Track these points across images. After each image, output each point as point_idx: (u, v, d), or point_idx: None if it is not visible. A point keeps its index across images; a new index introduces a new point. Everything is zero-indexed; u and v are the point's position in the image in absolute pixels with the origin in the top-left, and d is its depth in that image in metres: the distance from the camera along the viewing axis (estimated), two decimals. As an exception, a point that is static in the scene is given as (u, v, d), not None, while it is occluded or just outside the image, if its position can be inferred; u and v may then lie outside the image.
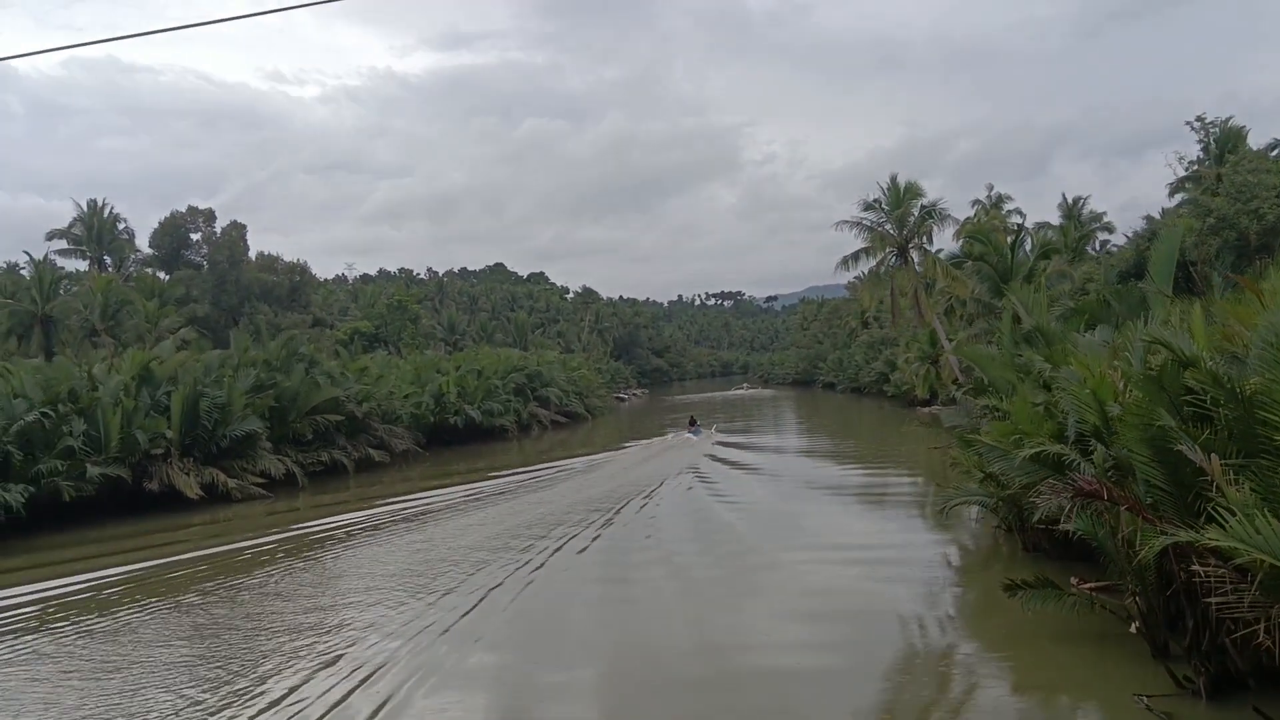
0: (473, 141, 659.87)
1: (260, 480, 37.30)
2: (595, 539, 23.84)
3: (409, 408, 53.14)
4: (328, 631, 16.08)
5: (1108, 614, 12.95)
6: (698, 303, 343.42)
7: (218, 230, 65.73)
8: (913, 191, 35.28)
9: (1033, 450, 14.65)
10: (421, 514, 30.84)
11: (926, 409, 65.02)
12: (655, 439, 55.94)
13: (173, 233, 65.28)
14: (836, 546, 22.20)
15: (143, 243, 70.99)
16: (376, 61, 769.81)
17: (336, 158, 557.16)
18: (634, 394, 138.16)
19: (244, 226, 65.90)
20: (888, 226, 35.96)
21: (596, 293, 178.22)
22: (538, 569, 20.45)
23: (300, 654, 14.81)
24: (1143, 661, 12.11)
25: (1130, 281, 24.64)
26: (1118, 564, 12.39)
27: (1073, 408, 15.29)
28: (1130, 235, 63.37)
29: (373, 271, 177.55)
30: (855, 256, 37.24)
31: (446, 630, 15.83)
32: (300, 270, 69.44)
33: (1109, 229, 63.46)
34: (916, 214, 35.62)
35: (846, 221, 35.45)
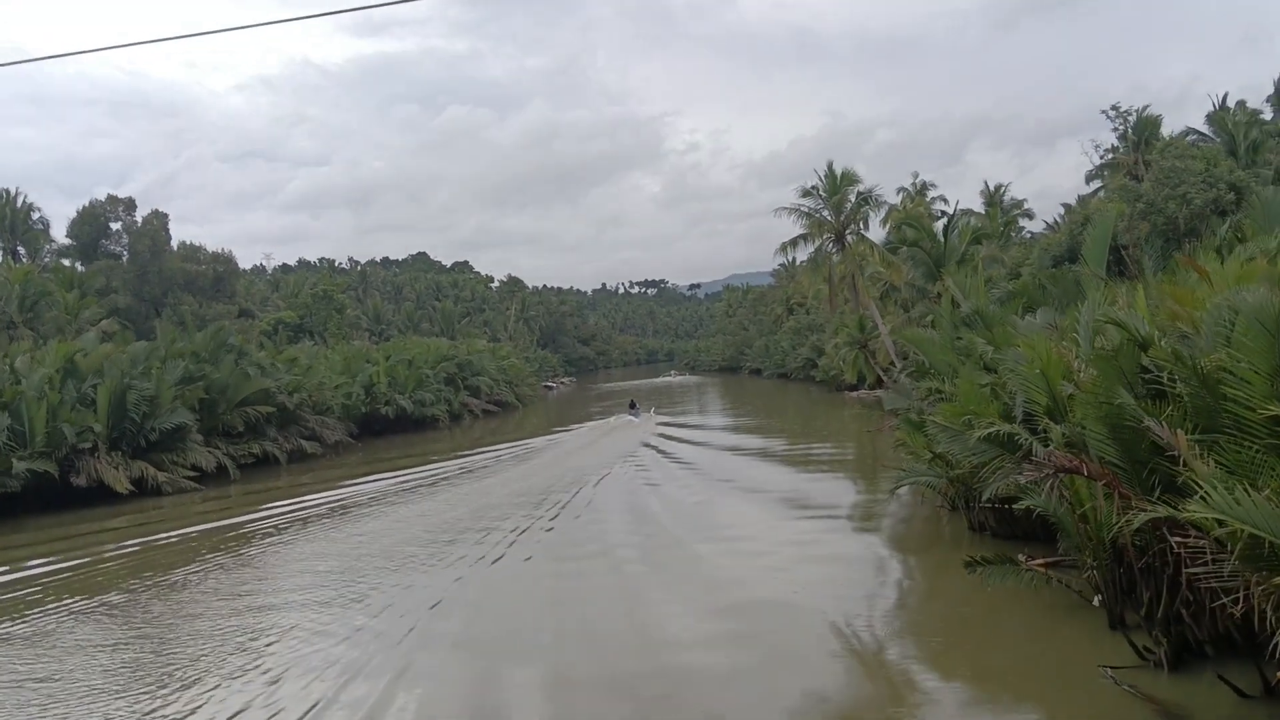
0: (394, 130, 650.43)
1: (191, 474, 36.58)
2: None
3: (340, 398, 52.42)
4: (254, 635, 15.63)
5: (1059, 590, 13.34)
6: (622, 291, 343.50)
7: (138, 220, 64.09)
8: (849, 179, 35.82)
9: (986, 431, 14.98)
10: (368, 502, 30.73)
11: (855, 393, 65.98)
12: (599, 421, 58.94)
13: (91, 222, 63.38)
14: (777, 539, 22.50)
15: (57, 233, 69.12)
16: (293, 49, 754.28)
17: (252, 146, 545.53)
18: (561, 383, 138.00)
19: (166, 216, 64.40)
20: (825, 213, 36.42)
21: (522, 282, 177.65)
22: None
23: (229, 657, 14.44)
24: (1099, 635, 12.41)
25: (1064, 265, 25.24)
26: (1076, 540, 12.73)
27: (1021, 388, 15.70)
28: (1049, 223, 65.31)
29: (292, 261, 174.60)
30: (794, 242, 37.76)
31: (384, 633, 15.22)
32: (225, 260, 67.98)
33: (1029, 215, 65.02)
34: (853, 201, 36.16)
35: (785, 208, 36.04)
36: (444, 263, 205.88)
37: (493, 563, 20.13)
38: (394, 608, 16.72)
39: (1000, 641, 13.26)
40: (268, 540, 25.33)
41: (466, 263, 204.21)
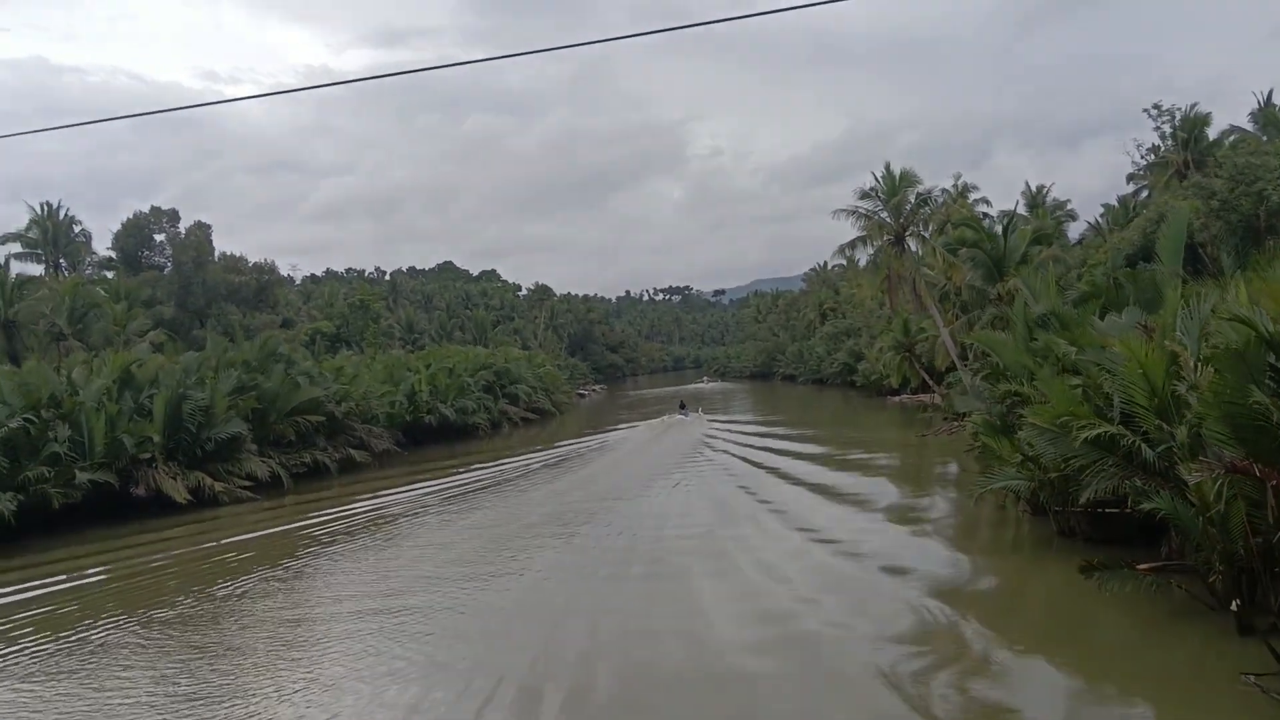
0: (416, 139, 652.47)
1: (246, 483, 36.61)
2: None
3: (384, 407, 52.47)
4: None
5: (1161, 594, 13.09)
6: (646, 298, 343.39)
7: (182, 231, 64.55)
8: (908, 180, 35.51)
9: (1094, 433, 14.69)
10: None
11: (896, 398, 65.56)
12: (655, 420, 63.70)
13: (136, 234, 63.88)
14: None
15: (98, 245, 69.60)
16: (312, 59, 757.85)
17: (275, 157, 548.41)
18: (593, 390, 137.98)
19: (209, 226, 64.77)
20: (884, 214, 36.16)
21: (551, 289, 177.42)
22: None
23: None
24: (1225, 642, 12.12)
25: (1138, 264, 24.87)
26: (1202, 543, 12.47)
27: (1119, 389, 15.42)
28: (1091, 223, 64.76)
29: (319, 272, 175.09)
30: (852, 244, 37.56)
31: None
32: (268, 270, 68.33)
33: (1071, 216, 64.48)
34: (913, 202, 35.89)
35: (844, 210, 35.80)
36: (470, 271, 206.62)
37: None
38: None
39: (1126, 648, 12.89)
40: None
41: (494, 271, 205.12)
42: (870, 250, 36.80)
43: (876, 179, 35.92)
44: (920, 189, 36.43)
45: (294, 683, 13.67)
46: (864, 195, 36.27)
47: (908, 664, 12.62)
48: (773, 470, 33.76)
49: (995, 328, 29.67)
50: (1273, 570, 11.97)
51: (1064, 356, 20.64)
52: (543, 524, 26.08)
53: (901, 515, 24.05)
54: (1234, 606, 11.99)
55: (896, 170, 35.81)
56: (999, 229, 36.70)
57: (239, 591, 20.55)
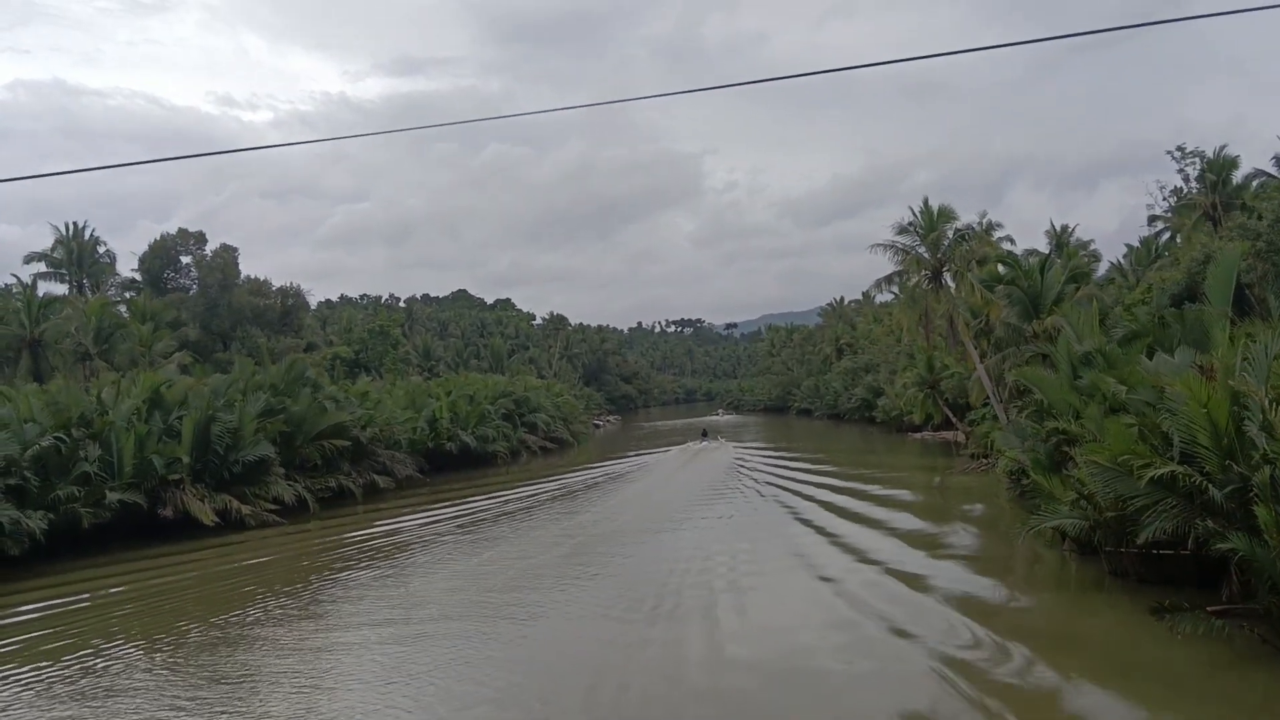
0: (432, 167, 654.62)
1: (272, 506, 36.46)
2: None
3: (406, 433, 52.37)
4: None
5: (1219, 638, 12.88)
6: (658, 329, 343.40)
7: (208, 253, 64.77)
8: (946, 215, 35.44)
9: (1160, 471, 14.52)
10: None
11: (918, 434, 65.22)
12: (681, 446, 66.83)
13: (162, 255, 64.11)
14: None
15: (122, 266, 69.88)
16: (329, 86, 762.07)
17: (290, 183, 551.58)
18: (607, 420, 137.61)
19: (235, 249, 65.08)
20: (921, 250, 36.10)
21: (566, 319, 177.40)
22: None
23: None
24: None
25: (1184, 305, 24.72)
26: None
27: (1179, 429, 15.26)
28: (1114, 263, 64.57)
29: (334, 297, 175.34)
30: (889, 278, 37.53)
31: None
32: (294, 293, 68.53)
33: (1095, 256, 64.25)
34: (950, 238, 35.84)
35: (881, 244, 35.70)
36: (484, 299, 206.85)
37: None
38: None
39: (1209, 696, 12.61)
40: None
41: (509, 299, 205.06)
42: (909, 283, 36.65)
43: (914, 214, 35.90)
44: (958, 224, 36.43)
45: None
46: (902, 230, 36.25)
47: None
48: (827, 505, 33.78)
49: (1024, 365, 29.55)
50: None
51: (1112, 395, 20.52)
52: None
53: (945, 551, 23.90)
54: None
55: (935, 206, 35.84)
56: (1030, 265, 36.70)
57: (257, 618, 20.59)
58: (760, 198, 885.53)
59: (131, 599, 23.84)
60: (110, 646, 18.37)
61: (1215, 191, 50.00)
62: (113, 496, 31.23)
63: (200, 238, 65.52)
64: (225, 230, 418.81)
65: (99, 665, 16.97)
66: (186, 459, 34.25)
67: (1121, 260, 63.53)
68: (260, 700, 14.42)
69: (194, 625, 20.08)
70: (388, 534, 32.94)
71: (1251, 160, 56.97)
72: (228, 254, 64.58)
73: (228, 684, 15.42)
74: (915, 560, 22.71)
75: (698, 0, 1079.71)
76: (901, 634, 16.14)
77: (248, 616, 20.65)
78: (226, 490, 35.40)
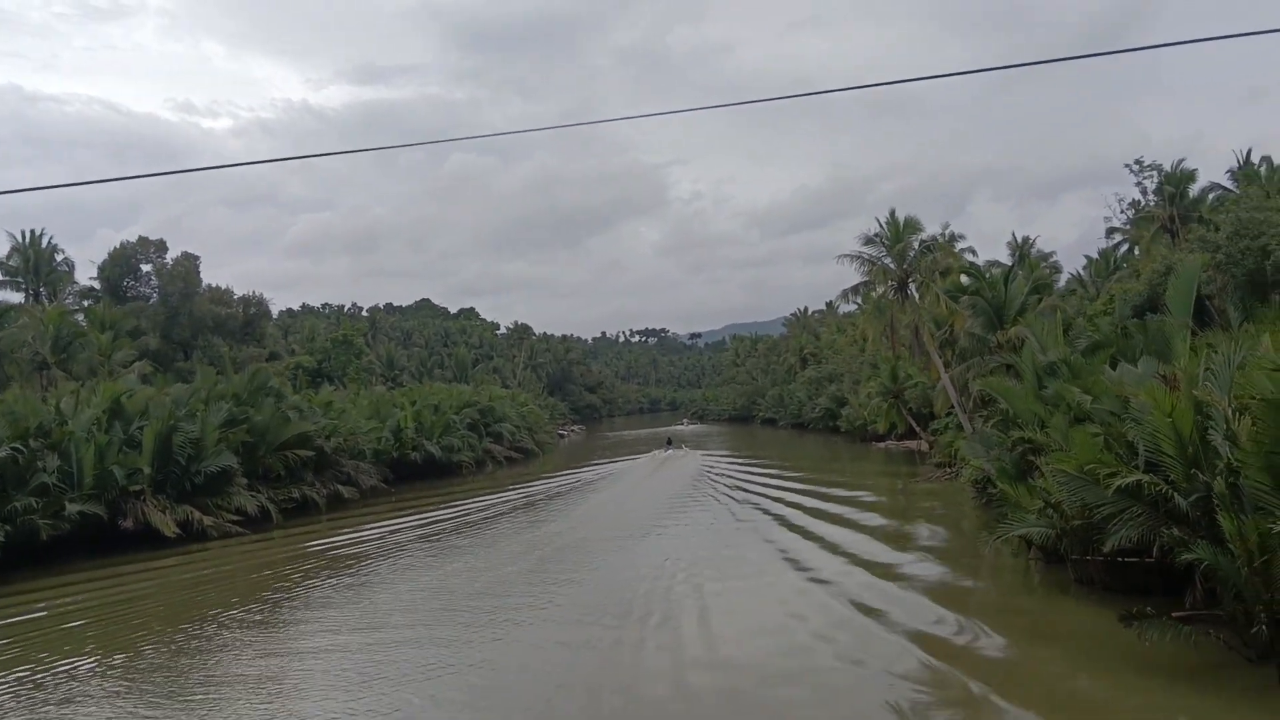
0: (397, 176, 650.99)
1: (235, 518, 36.05)
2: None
3: (371, 443, 51.98)
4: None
5: (1182, 643, 13.02)
6: (622, 339, 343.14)
7: (169, 261, 63.95)
8: (912, 227, 35.75)
9: (1126, 480, 14.66)
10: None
11: (882, 444, 65.57)
12: (648, 454, 68.24)
13: (123, 263, 63.22)
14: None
15: (81, 275, 68.79)
16: (291, 94, 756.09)
17: (252, 192, 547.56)
18: (571, 430, 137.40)
19: (196, 258, 64.20)
20: (887, 260, 36.35)
21: (530, 329, 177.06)
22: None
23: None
24: (1261, 694, 12.15)
25: (1146, 315, 25.06)
26: (1250, 593, 12.41)
27: (1144, 437, 15.44)
28: (1074, 274, 65.39)
29: (295, 306, 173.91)
30: (855, 289, 37.74)
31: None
32: (256, 302, 67.81)
33: (1056, 268, 65.02)
34: (916, 249, 36.13)
35: (848, 255, 35.83)
36: (448, 308, 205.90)
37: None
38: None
39: (1170, 699, 12.81)
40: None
41: (473, 309, 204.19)
42: (875, 294, 36.93)
43: (881, 225, 36.17)
44: (924, 236, 36.75)
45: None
46: (868, 241, 36.49)
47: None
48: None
49: (988, 375, 29.83)
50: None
51: (1077, 405, 20.74)
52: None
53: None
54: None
55: (901, 217, 36.13)
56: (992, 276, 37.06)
57: (218, 629, 20.44)
58: (726, 207, 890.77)
59: (90, 611, 23.48)
60: (65, 660, 18.06)
61: (1173, 204, 50.75)
62: (72, 508, 30.72)
63: (161, 246, 64.68)
64: (187, 238, 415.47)
65: (51, 680, 16.66)
66: (148, 470, 33.79)
67: (1081, 272, 64.42)
68: (219, 713, 14.22)
69: (153, 637, 19.86)
70: (351, 544, 32.64)
71: (1208, 174, 58.05)
72: (189, 262, 63.81)
73: (186, 696, 15.24)
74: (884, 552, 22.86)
75: (664, 10, 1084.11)
76: (857, 663, 15.89)
77: (208, 628, 20.42)
78: (188, 501, 34.97)
